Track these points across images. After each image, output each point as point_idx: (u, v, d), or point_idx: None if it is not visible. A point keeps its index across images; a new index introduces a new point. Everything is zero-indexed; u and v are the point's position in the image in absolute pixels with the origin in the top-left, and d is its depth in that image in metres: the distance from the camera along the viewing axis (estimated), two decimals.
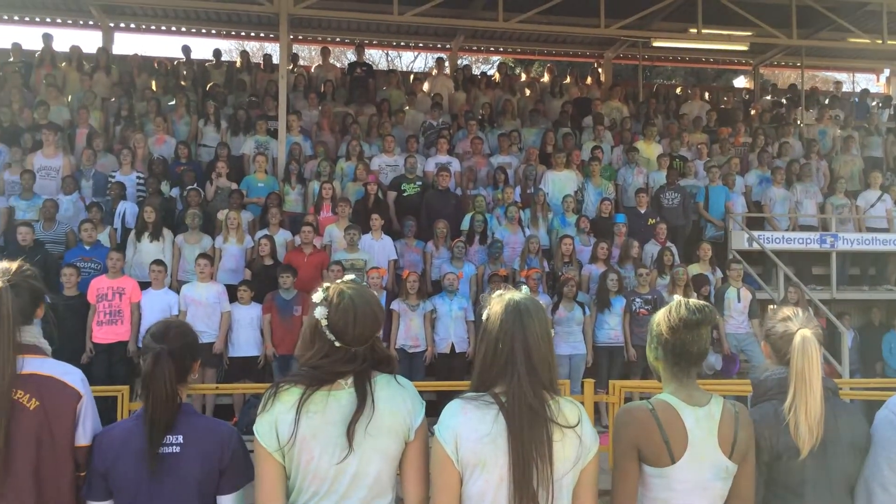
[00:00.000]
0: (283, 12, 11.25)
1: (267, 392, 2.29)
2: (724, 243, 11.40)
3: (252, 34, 15.94)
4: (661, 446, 2.40)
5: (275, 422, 2.24)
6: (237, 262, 9.18)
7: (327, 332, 2.29)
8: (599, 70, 16.38)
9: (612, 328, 8.98)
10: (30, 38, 16.15)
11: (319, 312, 2.31)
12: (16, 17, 14.32)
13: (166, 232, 9.15)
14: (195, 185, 10.09)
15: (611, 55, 16.27)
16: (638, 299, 9.01)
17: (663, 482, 2.40)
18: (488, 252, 9.67)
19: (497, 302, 2.39)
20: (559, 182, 11.21)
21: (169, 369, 2.38)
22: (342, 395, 2.27)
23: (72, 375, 2.42)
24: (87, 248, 8.66)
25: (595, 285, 9.36)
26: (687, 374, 2.52)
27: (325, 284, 2.40)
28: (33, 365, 2.36)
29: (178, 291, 8.43)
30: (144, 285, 8.37)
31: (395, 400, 2.32)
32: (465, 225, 10.10)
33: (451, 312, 8.70)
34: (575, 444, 2.24)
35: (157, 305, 8.05)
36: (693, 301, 2.56)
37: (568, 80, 15.26)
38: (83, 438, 2.37)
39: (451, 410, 2.28)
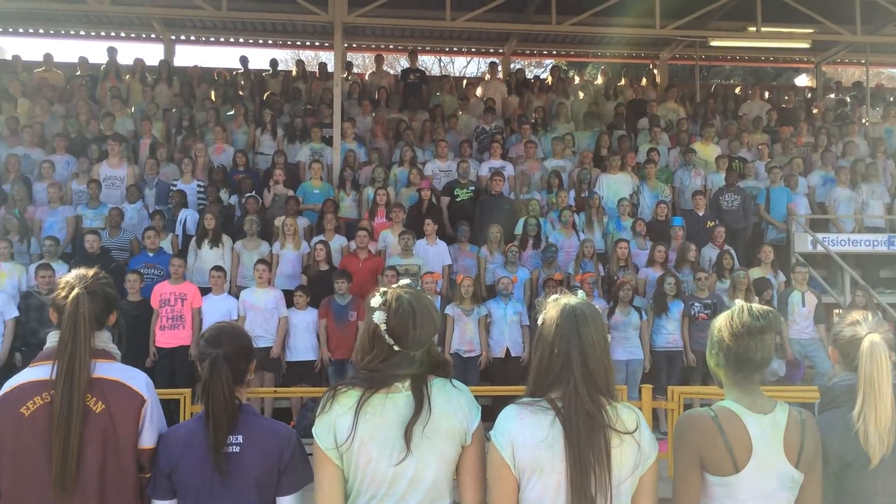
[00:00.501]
0: (337, 21, 11.41)
1: (325, 395, 2.32)
2: (786, 246, 11.10)
3: (307, 43, 16.22)
4: (724, 454, 2.34)
5: (333, 424, 2.27)
6: (294, 267, 9.33)
7: (386, 337, 2.31)
8: (655, 71, 16.14)
9: (671, 333, 8.82)
10: (96, 52, 16.68)
11: (378, 317, 2.33)
12: (82, 32, 14.86)
13: (225, 238, 9.35)
14: (253, 192, 10.29)
15: (666, 56, 16.02)
16: (697, 304, 8.83)
17: (727, 491, 2.35)
18: (542, 256, 9.61)
19: (553, 306, 2.37)
20: (614, 185, 11.08)
21: (226, 373, 2.43)
22: (399, 398, 2.29)
23: (137, 380, 2.48)
24: (151, 254, 8.92)
25: (652, 289, 9.22)
26: (750, 381, 2.46)
27: (383, 289, 2.42)
28: (102, 369, 2.43)
29: (237, 297, 8.60)
30: (205, 291, 8.57)
31: (451, 403, 2.33)
32: (519, 229, 10.06)
33: (506, 317, 8.67)
34: (633, 451, 2.21)
35: (217, 310, 8.23)
36: (756, 306, 2.50)
37: (622, 81, 15.09)
38: (147, 441, 2.43)
39: (507, 415, 2.27)
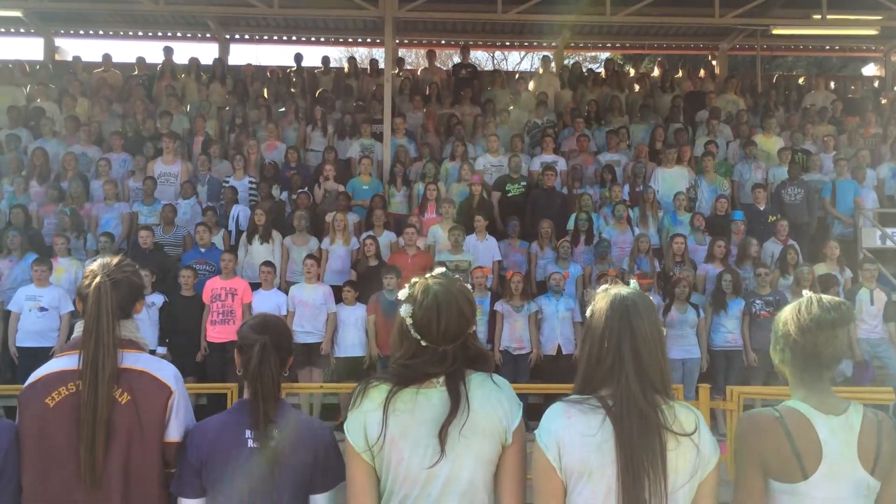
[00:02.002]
0: (387, 16, 11.34)
1: (356, 389, 2.21)
2: (853, 241, 10.62)
3: (359, 40, 16.23)
4: (790, 459, 2.14)
5: (363, 420, 2.15)
6: (343, 263, 9.29)
7: (412, 331, 2.18)
8: (713, 62, 15.65)
9: (730, 331, 8.50)
10: (153, 52, 16.99)
11: (404, 310, 2.21)
12: (140, 33, 15.13)
13: (276, 234, 9.37)
14: (304, 188, 10.30)
15: (726, 46, 15.52)
16: (758, 301, 8.47)
17: (794, 500, 2.14)
18: (595, 252, 9.38)
19: (602, 297, 2.21)
20: (670, 179, 10.76)
21: (274, 359, 2.36)
22: (433, 394, 2.15)
23: (165, 371, 2.40)
24: (203, 250, 9.00)
25: (710, 286, 8.90)
26: (819, 379, 2.26)
27: (413, 280, 2.29)
28: (129, 359, 2.35)
29: (286, 292, 8.60)
30: (256, 286, 8.59)
31: (491, 400, 2.18)
32: (571, 225, 9.84)
33: (558, 313, 8.47)
34: (692, 455, 2.03)
35: (266, 306, 8.22)
36: (827, 297, 2.29)
37: (680, 73, 14.67)
38: (174, 434, 2.35)
39: (554, 414, 2.12)
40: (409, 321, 2.19)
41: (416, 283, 2.27)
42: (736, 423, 2.30)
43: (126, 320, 2.42)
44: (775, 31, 12.93)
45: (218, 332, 8.17)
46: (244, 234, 9.47)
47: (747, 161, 11.33)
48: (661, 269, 9.31)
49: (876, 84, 15.96)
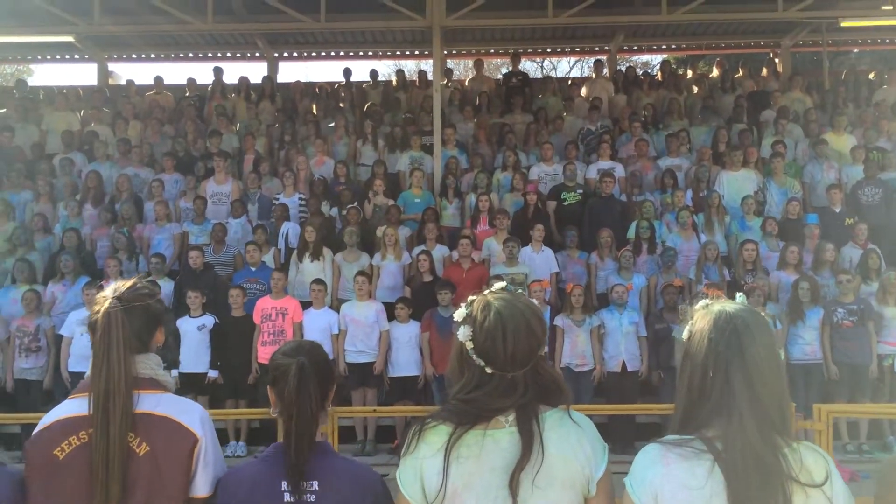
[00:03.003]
0: (435, 25, 11.11)
1: (411, 431, 1.88)
2: None
3: (407, 52, 16.05)
4: None
5: (420, 468, 1.82)
6: (395, 279, 9.01)
7: (474, 357, 1.85)
8: (776, 60, 14.97)
9: (808, 343, 7.93)
10: (203, 73, 17.13)
11: (463, 333, 1.87)
12: (190, 55, 15.27)
13: (326, 251, 9.15)
14: (354, 203, 10.09)
15: (788, 43, 14.82)
16: (840, 310, 7.88)
17: None
18: (660, 261, 8.90)
19: (702, 315, 1.83)
20: (736, 182, 10.22)
21: (314, 383, 2.02)
22: (502, 437, 1.81)
23: (190, 415, 2.06)
24: (253, 269, 8.83)
25: (786, 295, 8.32)
26: None
27: (471, 297, 1.95)
28: (149, 402, 2.03)
29: (338, 310, 8.35)
30: (307, 305, 8.37)
31: (570, 442, 1.83)
32: (631, 233, 9.37)
33: (622, 327, 8.03)
34: None
35: (317, 325, 8.03)
36: None
37: (740, 73, 14.06)
38: (202, 488, 2.02)
39: (648, 459, 1.75)
40: (469, 345, 1.86)
41: (473, 300, 1.93)
42: (885, 468, 1.89)
43: (143, 354, 2.09)
44: (844, 24, 12.23)
45: (269, 353, 7.85)
46: (294, 252, 9.28)
47: (818, 161, 10.71)
48: (732, 277, 8.77)
49: None
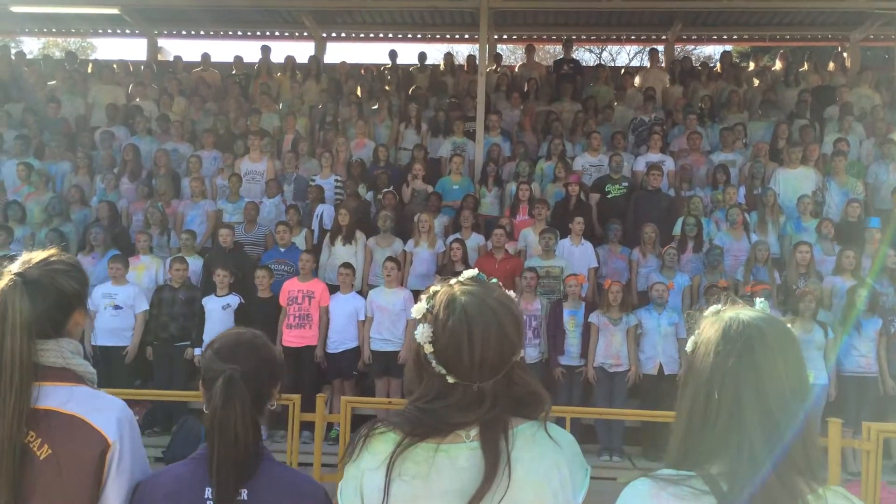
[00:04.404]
0: (483, 6, 10.76)
1: (357, 435, 1.58)
2: None
3: (456, 36, 15.70)
4: None
5: (361, 481, 1.54)
6: (428, 266, 8.74)
7: (434, 364, 1.54)
8: (844, 54, 14.17)
9: (863, 354, 7.41)
10: (251, 51, 17.11)
11: (421, 334, 1.57)
12: (239, 33, 15.19)
13: (359, 235, 8.94)
14: (391, 187, 9.84)
15: (858, 36, 14.00)
16: None
17: None
18: (705, 260, 8.44)
19: (711, 323, 1.50)
20: (793, 181, 9.66)
21: (243, 399, 1.75)
22: (459, 454, 1.50)
23: (103, 414, 1.75)
24: (283, 250, 8.67)
25: (841, 302, 7.78)
26: None
27: (433, 288, 1.64)
28: (57, 397, 1.74)
29: (366, 296, 8.12)
30: (336, 289, 8.16)
31: (544, 464, 1.51)
32: (677, 230, 8.91)
33: (660, 328, 7.62)
34: None
35: (343, 310, 7.82)
36: None
37: (805, 67, 13.34)
38: (114, 499, 1.73)
39: (636, 496, 1.44)
40: (428, 349, 1.56)
41: (437, 292, 1.62)
42: None
43: (54, 341, 1.79)
44: None
45: (294, 336, 7.77)
46: (328, 235, 9.08)
47: (884, 161, 10.06)
48: (783, 281, 8.26)
49: None
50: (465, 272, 1.69)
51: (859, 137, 10.87)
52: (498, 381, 1.53)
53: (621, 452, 7.47)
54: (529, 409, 1.58)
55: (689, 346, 1.53)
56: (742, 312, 1.48)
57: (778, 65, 13.90)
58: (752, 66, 14.51)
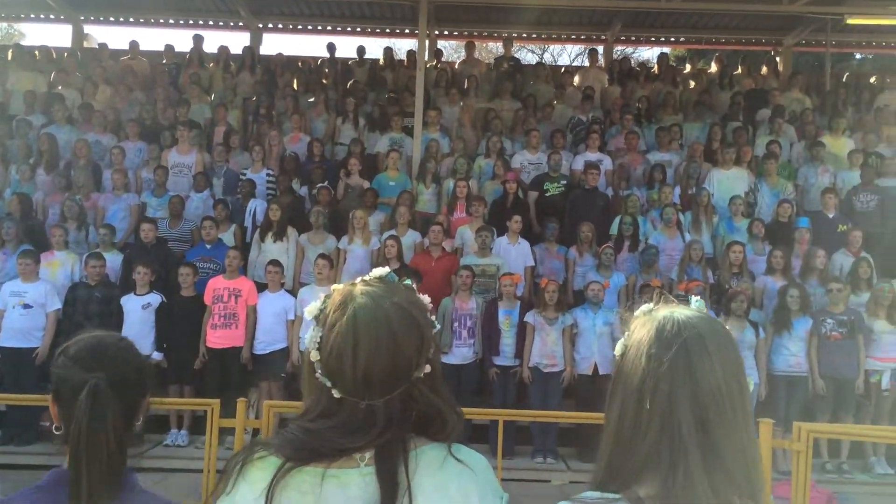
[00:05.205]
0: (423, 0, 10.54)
1: (232, 460, 1.35)
2: None
3: (397, 30, 15.46)
4: None
5: None
6: (362, 264, 8.50)
7: (318, 374, 1.33)
8: (777, 59, 14.47)
9: (794, 354, 7.48)
10: (183, 40, 16.52)
11: (310, 337, 1.36)
12: (170, 21, 14.62)
13: (291, 231, 8.65)
14: (325, 182, 9.56)
15: (791, 41, 14.33)
16: (829, 320, 7.43)
17: None
18: (640, 259, 8.42)
19: (643, 324, 1.34)
20: (727, 181, 9.75)
21: (114, 412, 1.51)
22: (350, 480, 1.29)
23: None
24: (208, 246, 8.31)
25: (772, 301, 7.86)
26: None
27: (334, 287, 1.43)
28: None
29: (297, 295, 7.84)
30: (264, 287, 7.85)
31: (449, 491, 1.30)
32: (614, 229, 8.89)
33: (595, 327, 7.55)
34: None
35: (272, 309, 7.54)
36: None
37: (739, 70, 13.56)
38: None
39: None
40: (314, 356, 1.35)
41: (333, 292, 1.41)
42: None
43: None
44: (849, 22, 11.72)
45: (219, 336, 7.44)
46: (257, 231, 8.76)
47: (813, 164, 10.26)
48: (716, 280, 8.30)
49: None
50: (374, 270, 1.47)
51: (790, 140, 11.07)
52: (393, 400, 1.33)
53: (555, 454, 7.38)
54: (435, 427, 1.38)
55: (617, 349, 1.36)
56: (677, 311, 1.31)
57: (713, 68, 14.12)
58: (688, 68, 14.71)
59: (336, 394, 1.32)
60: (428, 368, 1.37)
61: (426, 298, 1.47)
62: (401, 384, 1.32)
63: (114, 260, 8.00)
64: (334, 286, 1.44)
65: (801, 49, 15.52)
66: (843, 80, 14.15)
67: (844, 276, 8.34)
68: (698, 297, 1.39)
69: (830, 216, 9.28)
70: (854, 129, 11.36)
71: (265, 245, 8.57)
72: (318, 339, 1.34)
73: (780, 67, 14.15)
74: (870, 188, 9.59)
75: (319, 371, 1.33)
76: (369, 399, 1.31)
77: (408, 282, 1.48)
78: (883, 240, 9.50)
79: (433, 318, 1.45)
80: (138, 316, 7.28)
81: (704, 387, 1.23)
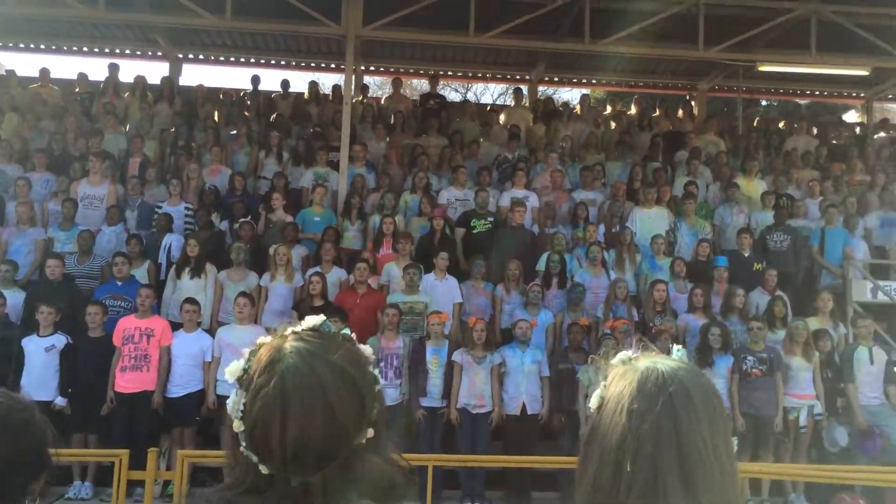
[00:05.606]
0: (350, 34, 10.46)
1: None
2: (841, 294, 9.80)
3: (322, 65, 15.34)
4: None
5: None
6: (285, 302, 8.23)
7: (243, 447, 1.16)
8: (692, 102, 15.03)
9: None
10: (98, 69, 15.95)
11: (232, 404, 1.19)
12: (84, 49, 14.11)
13: (209, 268, 8.30)
14: (247, 217, 9.26)
15: (705, 87, 14.93)
16: (750, 357, 7.56)
17: None
18: (568, 297, 8.43)
19: (622, 374, 1.22)
20: (648, 220, 9.93)
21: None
22: None
23: None
24: (119, 284, 7.87)
25: (694, 339, 7.97)
26: None
27: (260, 340, 1.26)
28: None
29: (215, 335, 7.50)
30: (179, 327, 7.48)
31: None
32: (542, 266, 8.90)
33: (524, 366, 7.48)
34: None
35: (187, 350, 7.18)
36: None
37: (657, 112, 14.01)
38: None
39: None
40: (237, 425, 1.17)
41: (261, 346, 1.24)
42: None
43: None
44: (762, 68, 12.24)
45: (128, 380, 7.01)
46: (173, 268, 8.37)
47: (729, 204, 10.59)
48: (640, 318, 8.39)
49: (857, 130, 15.45)
50: (307, 319, 1.30)
51: (706, 181, 11.41)
52: (331, 471, 1.17)
53: (482, 498, 7.21)
54: (381, 492, 1.22)
55: (593, 402, 1.23)
56: (659, 362, 1.20)
57: (633, 109, 14.53)
58: (609, 109, 15.09)
59: (263, 469, 1.14)
60: (371, 433, 1.21)
61: (368, 350, 1.32)
62: (337, 455, 1.16)
63: (15, 298, 7.48)
64: (260, 339, 1.27)
65: (714, 94, 16.16)
66: (755, 124, 14.80)
67: (760, 314, 8.57)
68: (680, 347, 1.28)
69: (746, 255, 9.54)
70: (765, 172, 11.81)
71: (181, 282, 8.20)
72: (242, 407, 1.17)
73: (696, 111, 14.70)
74: (782, 228, 9.92)
75: (244, 444, 1.16)
76: (302, 476, 1.14)
77: (346, 331, 1.32)
78: (796, 278, 9.86)
79: (377, 371, 1.30)
80: (41, 359, 6.80)
81: (692, 450, 1.11)
